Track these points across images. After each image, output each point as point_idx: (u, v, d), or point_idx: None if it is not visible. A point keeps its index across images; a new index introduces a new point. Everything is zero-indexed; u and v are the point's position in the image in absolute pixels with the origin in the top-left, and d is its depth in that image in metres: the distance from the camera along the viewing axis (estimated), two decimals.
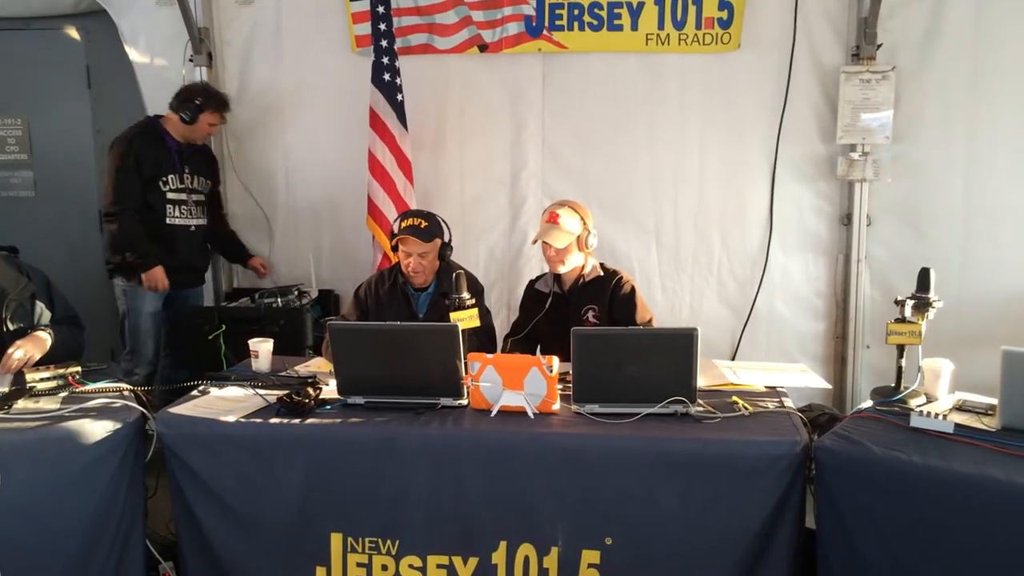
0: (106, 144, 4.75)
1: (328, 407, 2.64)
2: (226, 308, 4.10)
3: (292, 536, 2.55)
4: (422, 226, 3.25)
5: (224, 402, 2.70)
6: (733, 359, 4.16)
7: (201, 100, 3.99)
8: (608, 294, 3.23)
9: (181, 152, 4.08)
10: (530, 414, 2.52)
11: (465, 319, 2.84)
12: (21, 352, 2.84)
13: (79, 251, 4.65)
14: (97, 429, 2.49)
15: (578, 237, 3.17)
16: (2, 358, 2.82)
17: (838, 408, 3.99)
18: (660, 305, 4.22)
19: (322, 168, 4.45)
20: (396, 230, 3.37)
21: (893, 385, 2.65)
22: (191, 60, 4.34)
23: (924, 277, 2.61)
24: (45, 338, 2.94)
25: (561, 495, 2.44)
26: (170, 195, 4.05)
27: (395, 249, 3.38)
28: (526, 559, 2.48)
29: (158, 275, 3.99)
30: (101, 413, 2.57)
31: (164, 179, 4.04)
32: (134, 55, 4.43)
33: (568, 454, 2.44)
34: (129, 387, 2.81)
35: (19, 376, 2.80)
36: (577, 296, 3.25)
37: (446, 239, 3.34)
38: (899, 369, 2.64)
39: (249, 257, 4.42)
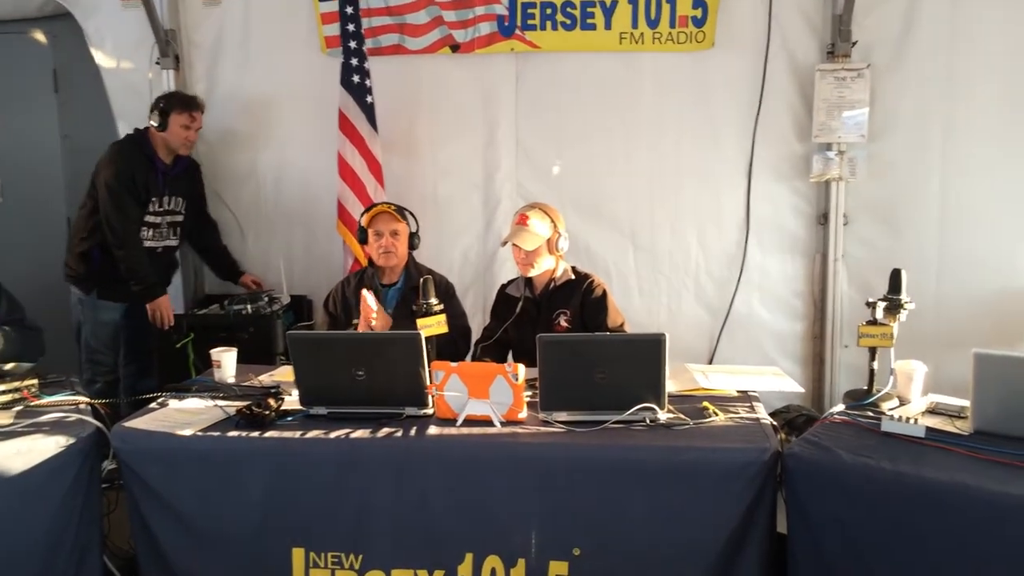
0: (74, 149, 4.72)
1: (290, 418, 2.58)
2: (195, 315, 4.03)
3: (252, 551, 2.49)
4: (390, 208, 3.30)
5: (182, 415, 2.63)
6: (711, 361, 4.12)
7: (164, 103, 3.91)
8: (579, 298, 3.18)
9: (166, 173, 4.00)
10: (496, 423, 2.47)
11: (433, 325, 2.79)
12: None
13: (45, 257, 4.54)
14: (50, 444, 2.42)
15: (548, 240, 3.12)
16: None
17: (816, 408, 3.95)
18: (637, 307, 4.17)
19: (293, 171, 4.37)
20: (364, 220, 3.35)
21: (866, 388, 2.61)
22: (158, 63, 4.26)
23: (896, 279, 2.58)
24: None
25: (528, 505, 2.39)
26: (148, 218, 3.96)
27: (363, 242, 3.35)
28: (493, 571, 2.42)
29: (163, 306, 3.93)
30: (55, 427, 2.50)
31: (150, 202, 3.96)
32: (100, 58, 4.34)
33: (535, 463, 2.39)
34: (86, 400, 2.74)
35: None
36: (548, 300, 3.19)
37: (413, 230, 3.34)
38: (871, 372, 2.61)
39: (240, 274, 4.33)
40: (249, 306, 4.01)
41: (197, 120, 4.00)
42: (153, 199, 3.96)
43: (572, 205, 4.04)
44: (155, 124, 3.90)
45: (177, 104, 3.94)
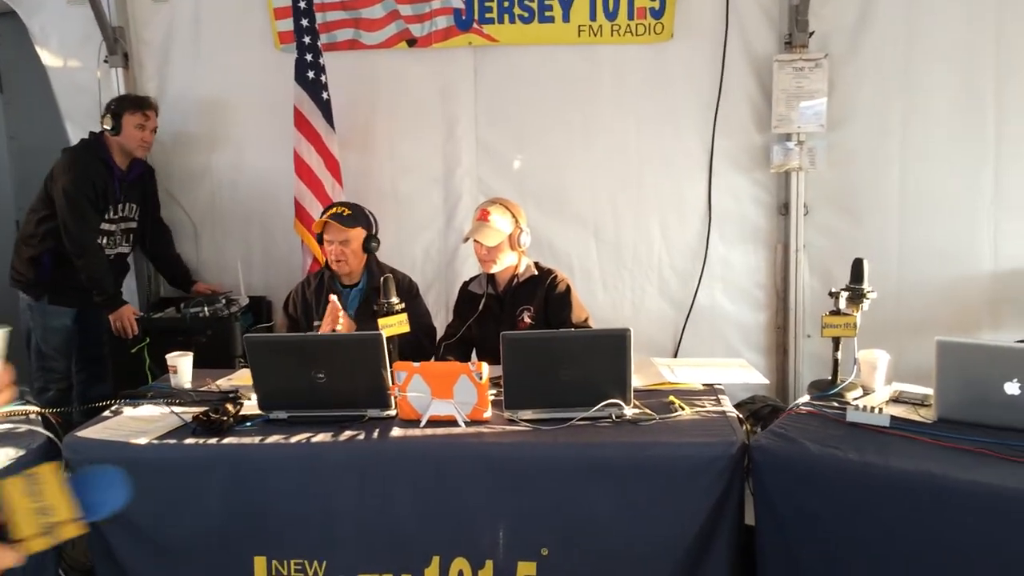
0: (21, 150, 4.59)
1: (248, 424, 2.52)
2: (150, 319, 3.92)
3: (213, 562, 2.42)
4: (344, 213, 3.20)
5: (137, 422, 2.56)
6: (676, 354, 4.12)
7: (115, 105, 3.81)
8: (543, 294, 3.15)
9: (122, 180, 3.90)
10: (461, 423, 2.43)
11: (394, 324, 2.74)
12: None
13: None
14: None
15: (510, 236, 3.08)
16: None
17: (781, 398, 3.96)
18: (602, 302, 4.15)
19: (249, 170, 4.28)
20: (316, 225, 3.27)
21: (830, 378, 2.61)
22: (106, 61, 4.14)
23: (857, 268, 2.57)
24: None
25: (495, 506, 2.35)
26: (104, 226, 3.86)
27: (321, 242, 3.29)
28: (460, 573, 2.38)
29: (126, 316, 3.83)
30: (3, 439, 2.42)
31: (107, 210, 3.86)
32: (46, 57, 4.21)
33: (501, 463, 2.35)
34: (37, 410, 2.65)
35: None
36: (511, 297, 3.16)
37: (373, 231, 3.27)
38: (835, 362, 2.61)
39: (193, 283, 4.23)
40: (206, 308, 3.91)
41: (151, 119, 3.90)
42: (110, 206, 3.86)
43: (533, 200, 4.01)
44: (108, 128, 3.79)
45: (129, 105, 3.84)
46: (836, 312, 2.55)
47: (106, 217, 3.86)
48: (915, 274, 3.90)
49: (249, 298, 4.16)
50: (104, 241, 3.89)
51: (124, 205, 3.95)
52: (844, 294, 2.55)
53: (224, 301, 4.00)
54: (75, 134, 4.26)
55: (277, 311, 4.08)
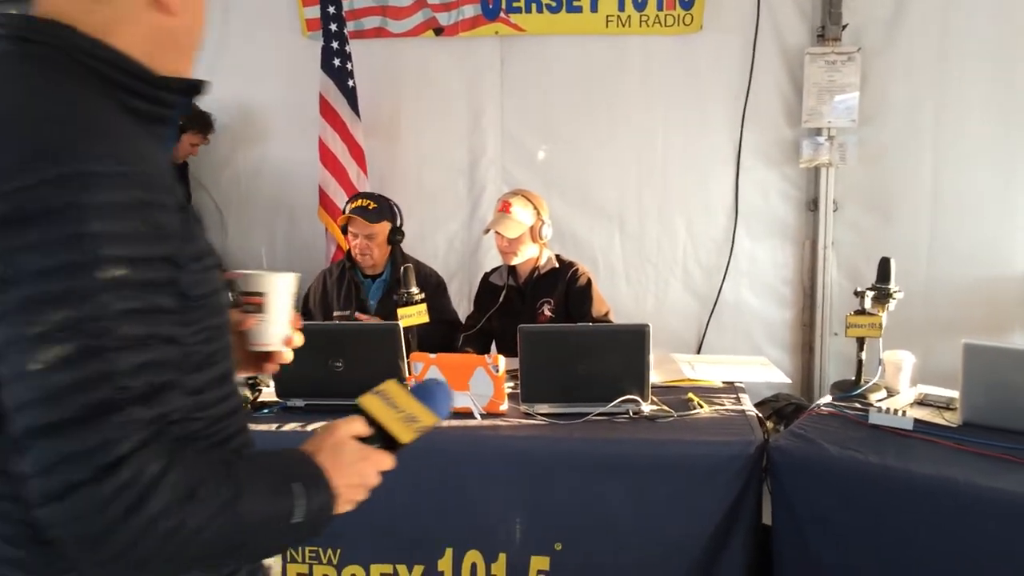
0: None
1: (267, 411, 2.53)
2: None
3: None
4: (370, 207, 3.18)
5: None
6: (699, 349, 4.08)
7: (184, 121, 3.89)
8: (564, 287, 3.12)
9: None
10: (477, 415, 2.42)
11: (413, 315, 2.75)
12: None
13: None
14: None
15: (531, 227, 3.06)
16: None
17: (806, 397, 3.91)
18: (625, 295, 4.11)
19: (273, 157, 4.29)
20: (345, 212, 3.27)
21: (854, 379, 2.57)
22: None
23: (884, 267, 2.52)
24: None
25: (509, 499, 2.34)
26: None
27: (346, 232, 3.29)
28: (473, 566, 2.38)
29: None
30: None
31: None
32: None
33: (516, 457, 2.35)
34: None
35: None
36: (532, 289, 3.13)
37: (397, 224, 3.25)
38: (859, 362, 2.56)
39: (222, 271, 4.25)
40: (230, 295, 3.92)
41: (208, 141, 4.03)
42: None
43: (558, 191, 3.98)
44: None
45: (196, 125, 3.96)
46: (861, 312, 2.51)
47: None
48: (945, 274, 3.82)
49: None
50: None
51: None
52: (870, 293, 2.50)
53: None
54: None
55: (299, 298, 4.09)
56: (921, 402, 2.43)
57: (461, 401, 2.43)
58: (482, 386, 2.43)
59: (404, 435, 1.11)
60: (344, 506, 1.03)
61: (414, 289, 2.79)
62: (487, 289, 3.26)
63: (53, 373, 0.79)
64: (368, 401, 1.13)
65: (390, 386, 1.16)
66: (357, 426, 1.07)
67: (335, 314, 3.20)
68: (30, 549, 0.90)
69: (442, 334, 3.11)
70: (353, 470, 1.04)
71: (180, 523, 0.83)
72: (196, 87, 1.03)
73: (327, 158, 3.93)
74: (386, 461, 1.08)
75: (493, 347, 3.17)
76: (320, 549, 2.42)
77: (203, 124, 3.99)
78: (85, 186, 0.80)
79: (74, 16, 0.90)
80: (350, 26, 3.96)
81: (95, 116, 0.87)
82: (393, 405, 1.13)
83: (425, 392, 1.16)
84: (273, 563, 2.42)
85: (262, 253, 4.14)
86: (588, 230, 4.14)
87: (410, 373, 2.46)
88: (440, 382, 1.21)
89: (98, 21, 0.91)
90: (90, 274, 0.80)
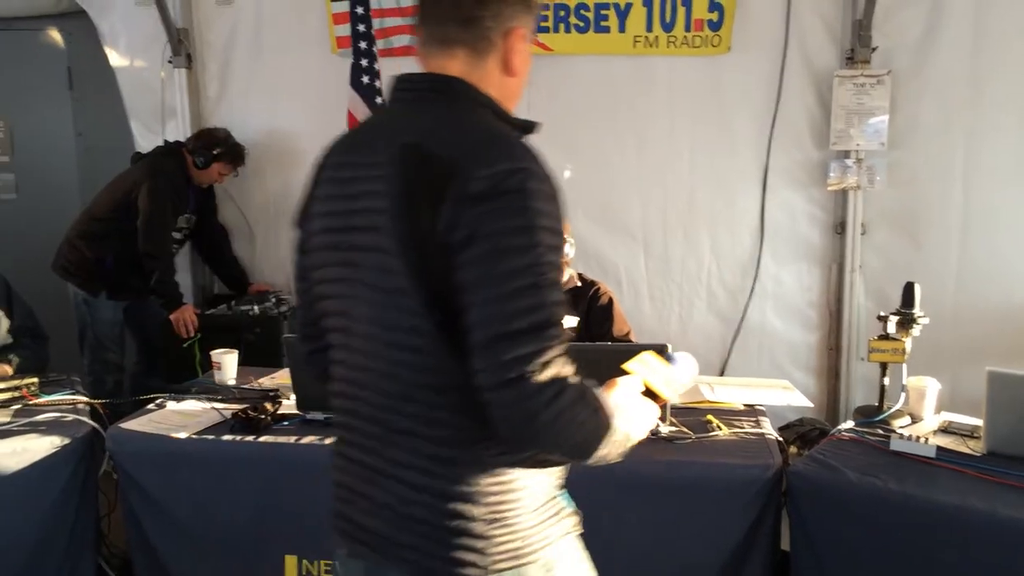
0: (87, 146, 4.73)
1: (286, 423, 2.55)
2: (201, 315, 4.01)
3: (246, 557, 2.46)
4: None
5: (179, 417, 2.61)
6: (723, 371, 4.05)
7: (220, 151, 3.97)
8: (585, 305, 3.11)
9: (195, 191, 4.09)
10: None
11: None
12: None
13: None
14: (45, 444, 2.41)
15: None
16: None
17: (831, 422, 3.85)
18: (648, 315, 4.10)
19: (302, 171, 4.26)
20: None
21: (877, 404, 2.54)
22: (170, 62, 4.25)
23: (909, 292, 2.49)
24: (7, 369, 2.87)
25: None
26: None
27: None
28: None
29: (187, 314, 3.93)
30: (51, 427, 2.49)
31: (179, 217, 4.04)
32: (114, 57, 4.34)
33: None
34: (85, 400, 2.73)
35: None
36: None
37: None
38: (882, 388, 2.53)
39: (249, 284, 4.34)
40: (256, 307, 3.99)
41: (237, 172, 4.12)
42: (180, 215, 4.03)
43: (583, 210, 3.99)
44: (197, 161, 3.95)
45: (228, 157, 4.02)
46: (885, 336, 2.48)
47: (175, 226, 4.01)
48: (973, 299, 3.76)
49: None
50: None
51: (191, 216, 4.13)
52: (893, 318, 2.47)
53: (274, 300, 4.07)
54: (139, 132, 4.38)
55: None
56: (945, 430, 2.40)
57: None
58: None
59: (664, 393, 1.43)
60: (637, 437, 1.37)
61: None
62: None
63: (511, 300, 1.15)
64: (634, 365, 1.42)
65: (649, 353, 1.45)
66: (634, 384, 1.42)
67: None
68: (462, 448, 1.26)
69: None
70: (642, 411, 1.41)
71: (575, 415, 1.19)
72: (531, 126, 1.36)
73: None
74: (656, 410, 1.44)
75: None
76: (336, 563, 2.43)
77: (235, 156, 4.05)
78: (528, 176, 1.18)
79: (464, 75, 1.32)
80: (379, 44, 4.01)
81: (514, 135, 1.30)
82: (655, 370, 1.41)
83: (676, 361, 1.48)
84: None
85: (289, 267, 4.18)
86: (612, 249, 4.13)
87: None
88: (687, 355, 1.51)
89: (476, 78, 1.32)
90: (534, 234, 1.16)
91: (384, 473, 1.30)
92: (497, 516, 1.26)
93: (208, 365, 3.67)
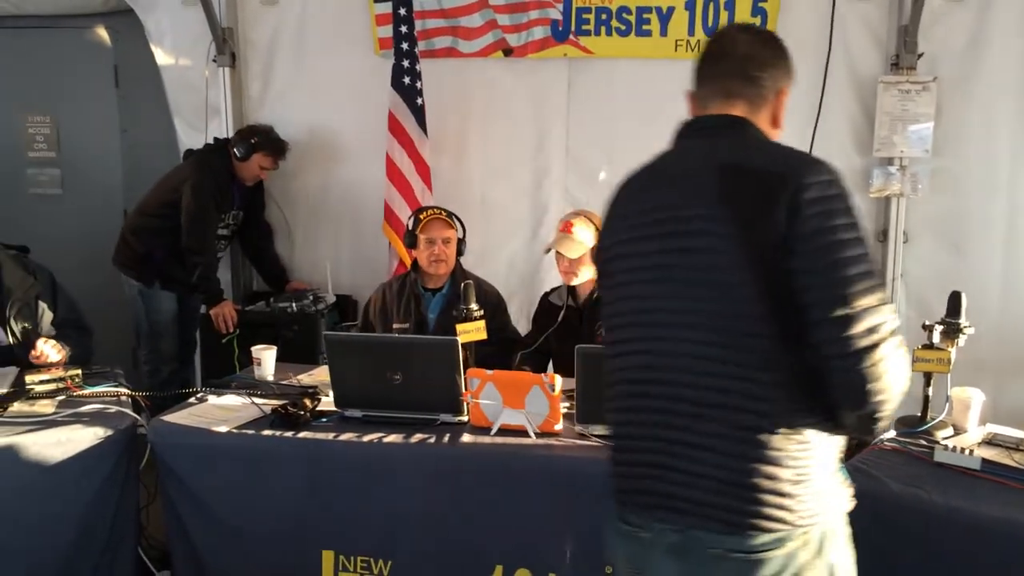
0: (132, 143, 4.81)
1: (324, 420, 2.57)
2: (240, 311, 4.05)
3: (283, 551, 2.48)
4: (442, 214, 3.29)
5: (220, 411, 2.64)
6: None
7: (257, 140, 4.00)
8: None
9: (240, 188, 4.14)
10: (531, 434, 2.42)
11: (471, 331, 2.76)
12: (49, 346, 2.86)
13: (104, 249, 4.63)
14: (87, 435, 2.45)
15: (592, 248, 3.06)
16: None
17: None
18: None
19: (342, 171, 4.38)
20: (413, 225, 3.32)
21: (919, 415, 2.50)
22: (214, 60, 4.30)
23: (955, 301, 2.45)
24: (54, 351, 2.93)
25: (561, 519, 2.34)
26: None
27: (411, 247, 3.33)
28: None
29: (227, 310, 3.99)
30: (94, 418, 2.53)
31: (224, 214, 4.09)
32: (159, 55, 4.40)
33: (570, 477, 2.34)
34: (128, 392, 2.77)
35: (19, 378, 2.77)
36: (591, 310, 3.12)
37: (461, 235, 3.33)
38: (925, 398, 2.48)
39: (287, 282, 4.39)
40: (294, 304, 4.03)
41: (279, 167, 4.14)
42: (224, 213, 4.07)
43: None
44: (237, 153, 3.99)
45: (268, 147, 4.05)
46: (929, 346, 2.44)
47: (221, 221, 4.06)
48: (1018, 308, 3.69)
49: (336, 296, 4.25)
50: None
51: (236, 213, 4.17)
52: (939, 328, 2.43)
53: (312, 298, 4.11)
54: (183, 130, 4.45)
55: (361, 311, 4.16)
56: (989, 442, 2.35)
57: (515, 419, 2.44)
58: (538, 404, 2.43)
59: None
60: None
61: (473, 306, 2.81)
62: (546, 308, 3.26)
63: (853, 283, 1.38)
64: None
65: None
66: None
67: (394, 326, 3.25)
68: (777, 418, 1.44)
69: (504, 351, 3.13)
70: None
71: (902, 374, 1.42)
72: None
73: (394, 174, 3.99)
74: None
75: (550, 367, 3.17)
76: (372, 559, 2.45)
77: (276, 148, 4.08)
78: (841, 185, 1.45)
79: (750, 117, 1.59)
80: (421, 46, 4.03)
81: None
82: None
83: None
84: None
85: (327, 264, 4.23)
86: None
87: (466, 388, 2.48)
88: None
89: (757, 120, 1.60)
90: (858, 228, 1.42)
91: (700, 446, 1.48)
92: (802, 478, 1.44)
93: (246, 361, 3.73)
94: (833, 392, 1.42)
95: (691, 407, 1.49)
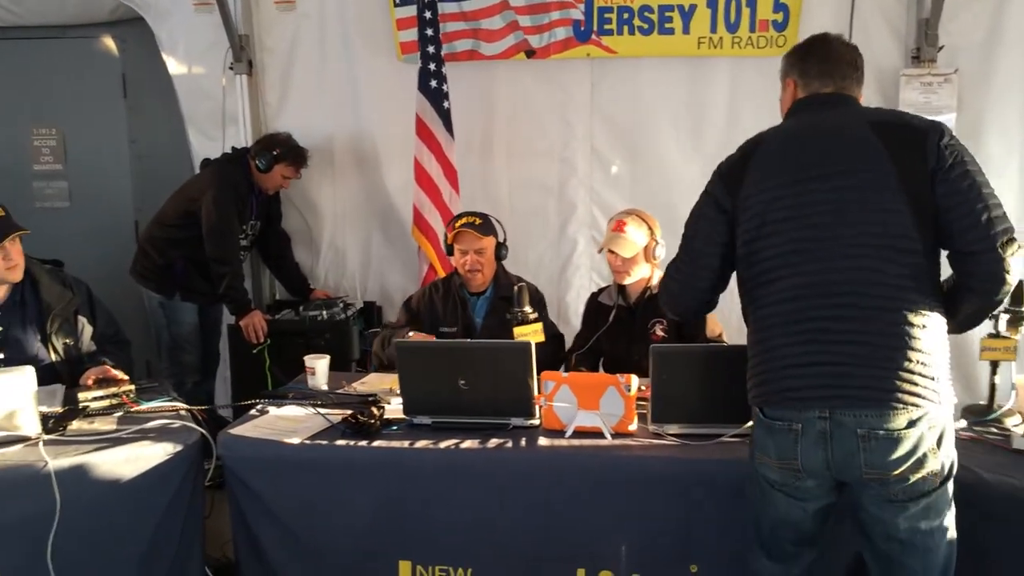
0: (141, 154, 4.72)
1: (394, 428, 2.54)
2: (269, 321, 4.00)
3: (359, 564, 2.46)
4: (476, 222, 3.23)
5: (285, 422, 2.60)
6: None
7: (279, 151, 3.94)
8: None
9: (258, 198, 4.09)
10: (607, 436, 2.41)
11: (530, 334, 2.75)
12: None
13: (114, 262, 4.54)
14: (158, 451, 2.40)
15: (645, 247, 3.06)
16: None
17: None
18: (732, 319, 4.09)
19: (367, 177, 4.35)
20: (450, 232, 3.30)
21: (985, 403, 2.53)
22: (231, 68, 4.24)
23: (1018, 289, 2.48)
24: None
25: (643, 520, 2.34)
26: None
27: (450, 255, 3.31)
28: None
29: (257, 320, 3.93)
30: (160, 434, 2.48)
31: (244, 224, 4.04)
32: (172, 64, 4.32)
33: (650, 478, 2.34)
34: (186, 407, 2.72)
35: (68, 396, 2.71)
36: (643, 309, 3.13)
37: (502, 239, 3.29)
38: (992, 386, 2.52)
39: (311, 290, 4.34)
40: (324, 312, 3.99)
41: (300, 176, 4.09)
42: (244, 223, 4.02)
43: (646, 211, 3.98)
44: (258, 164, 3.93)
45: (290, 157, 3.99)
46: (995, 335, 2.47)
47: (241, 231, 4.01)
48: None
49: (363, 303, 4.22)
50: None
51: (255, 222, 4.11)
52: (1004, 316, 2.47)
53: (341, 305, 4.07)
54: (197, 139, 4.38)
55: (390, 315, 4.13)
56: None
57: (590, 421, 2.43)
58: (613, 406, 2.42)
59: None
60: None
61: (528, 308, 2.81)
62: (595, 309, 3.25)
63: (990, 198, 1.86)
64: None
65: None
66: None
67: (442, 330, 3.22)
68: (924, 316, 1.87)
69: (552, 350, 3.13)
70: None
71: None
72: None
73: (422, 178, 3.96)
74: None
75: (600, 367, 3.17)
76: (451, 568, 2.43)
77: (296, 157, 4.02)
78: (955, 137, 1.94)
79: (852, 93, 2.12)
80: (443, 49, 4.00)
81: None
82: None
83: None
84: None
85: (355, 270, 4.19)
86: (672, 251, 4.10)
87: (540, 392, 2.46)
88: None
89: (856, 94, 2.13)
90: (978, 163, 1.92)
91: (862, 343, 1.85)
92: (941, 363, 1.86)
93: (278, 371, 3.69)
94: (974, 284, 1.89)
95: (858, 311, 1.86)
